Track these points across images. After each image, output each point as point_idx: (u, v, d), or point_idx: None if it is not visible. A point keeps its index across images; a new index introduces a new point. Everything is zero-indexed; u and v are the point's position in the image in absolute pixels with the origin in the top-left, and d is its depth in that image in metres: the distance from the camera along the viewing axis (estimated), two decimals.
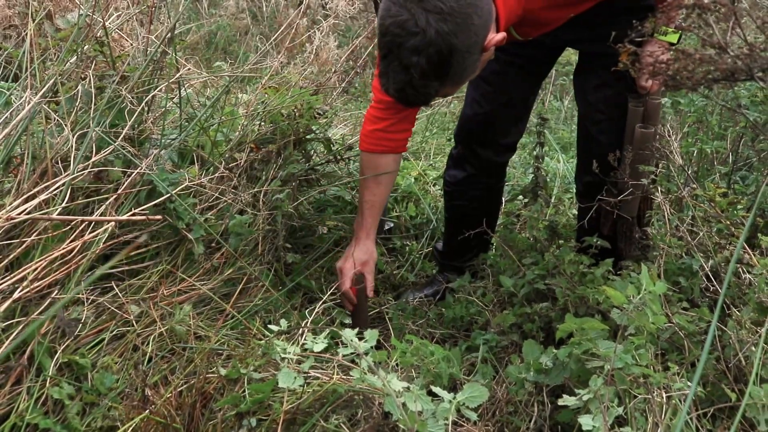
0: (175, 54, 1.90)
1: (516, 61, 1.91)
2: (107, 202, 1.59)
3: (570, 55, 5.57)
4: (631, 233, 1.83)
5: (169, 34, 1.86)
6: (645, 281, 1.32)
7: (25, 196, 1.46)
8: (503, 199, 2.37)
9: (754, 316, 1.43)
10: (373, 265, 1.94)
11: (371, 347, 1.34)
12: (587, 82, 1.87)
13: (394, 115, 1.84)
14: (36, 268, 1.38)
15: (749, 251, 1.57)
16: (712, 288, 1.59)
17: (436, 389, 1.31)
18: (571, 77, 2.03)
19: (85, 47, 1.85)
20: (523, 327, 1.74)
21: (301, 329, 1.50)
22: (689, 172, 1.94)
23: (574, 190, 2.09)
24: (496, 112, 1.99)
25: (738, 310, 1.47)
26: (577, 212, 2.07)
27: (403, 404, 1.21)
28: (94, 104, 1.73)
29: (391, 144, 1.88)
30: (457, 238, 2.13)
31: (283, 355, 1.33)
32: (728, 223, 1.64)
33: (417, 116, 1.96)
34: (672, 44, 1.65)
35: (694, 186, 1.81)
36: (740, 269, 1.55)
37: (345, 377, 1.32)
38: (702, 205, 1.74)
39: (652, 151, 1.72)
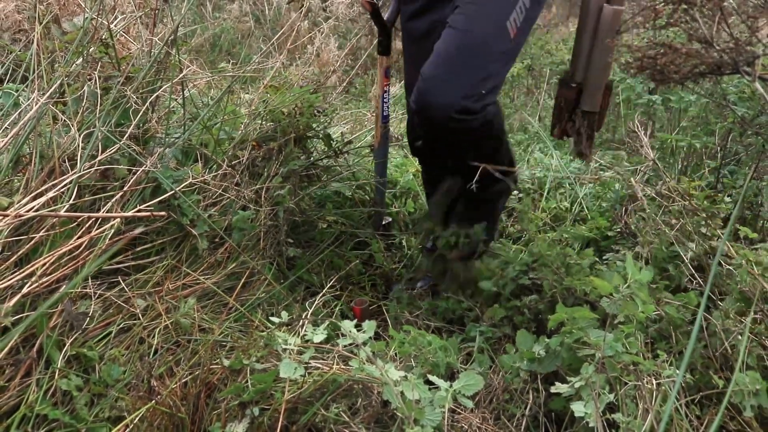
0: (179, 55, 1.93)
1: (440, 21, 1.82)
2: (113, 200, 1.61)
3: (564, 54, 5.60)
4: (592, 130, 1.75)
5: (171, 36, 1.90)
6: (630, 270, 1.34)
7: (33, 194, 1.48)
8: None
9: (739, 306, 1.45)
10: None
11: (369, 338, 1.36)
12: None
13: None
14: (44, 264, 1.39)
15: (728, 245, 1.58)
16: (697, 278, 1.61)
17: (433, 378, 1.33)
18: None
19: (91, 49, 1.86)
20: (514, 320, 1.75)
21: (301, 321, 1.51)
22: (663, 166, 1.93)
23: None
24: None
25: (721, 299, 1.49)
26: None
27: (401, 393, 1.24)
28: (100, 104, 1.75)
29: None
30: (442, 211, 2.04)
31: (284, 346, 1.35)
32: (711, 213, 1.65)
33: None
34: None
35: (668, 179, 1.80)
36: (721, 260, 1.57)
37: (344, 367, 1.33)
38: (681, 200, 1.76)
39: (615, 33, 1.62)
